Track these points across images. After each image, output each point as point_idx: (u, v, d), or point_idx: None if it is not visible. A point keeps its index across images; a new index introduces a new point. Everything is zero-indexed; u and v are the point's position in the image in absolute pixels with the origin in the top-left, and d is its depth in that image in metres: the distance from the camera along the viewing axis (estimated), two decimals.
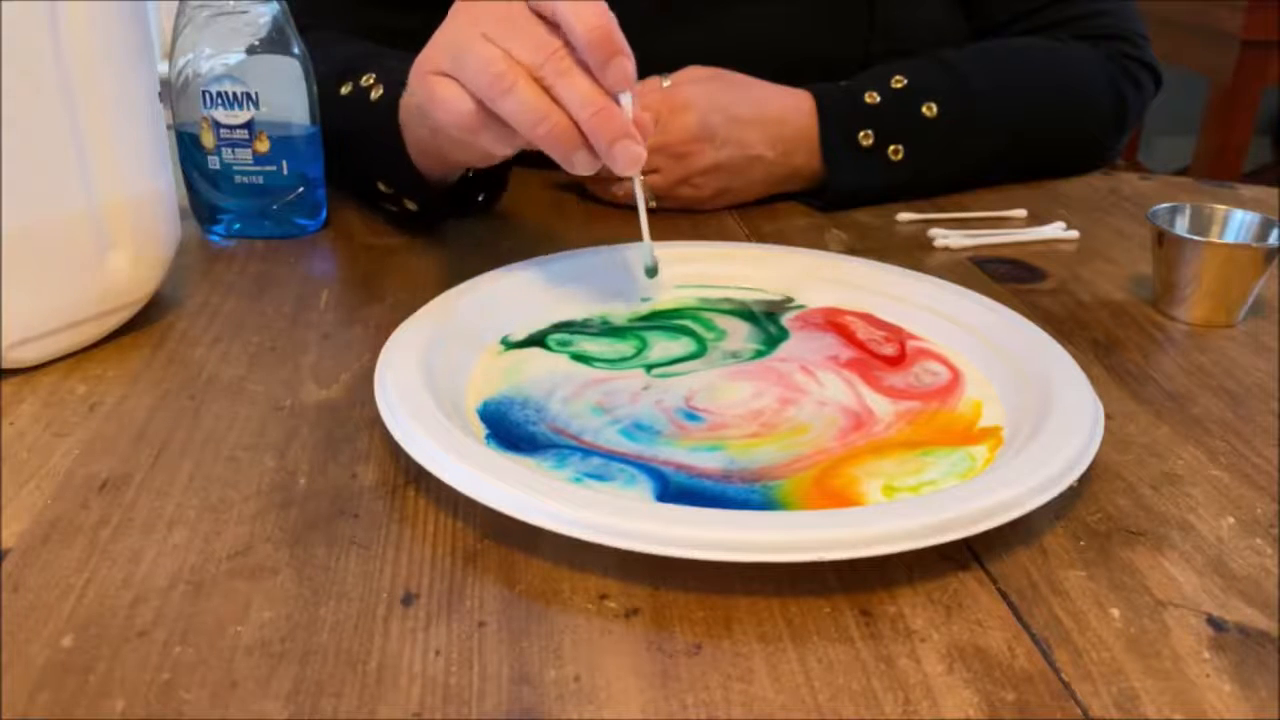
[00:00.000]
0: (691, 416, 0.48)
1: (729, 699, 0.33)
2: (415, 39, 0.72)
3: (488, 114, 0.50)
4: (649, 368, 0.52)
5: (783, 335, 0.55)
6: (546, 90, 0.49)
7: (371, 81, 0.67)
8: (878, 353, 0.54)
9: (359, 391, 0.50)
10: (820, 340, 0.55)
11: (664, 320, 0.57)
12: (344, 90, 0.68)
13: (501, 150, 0.52)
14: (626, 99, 0.50)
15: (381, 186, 0.68)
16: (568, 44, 0.49)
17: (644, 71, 0.76)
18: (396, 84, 0.63)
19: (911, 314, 0.57)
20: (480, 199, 0.73)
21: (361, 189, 0.73)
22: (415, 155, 0.63)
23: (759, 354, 0.53)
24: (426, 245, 0.69)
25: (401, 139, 0.63)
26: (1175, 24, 2.13)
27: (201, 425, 0.47)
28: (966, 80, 0.78)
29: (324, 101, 0.69)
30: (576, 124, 0.49)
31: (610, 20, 0.48)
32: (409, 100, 0.61)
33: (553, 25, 0.49)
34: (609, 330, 0.56)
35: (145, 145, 0.54)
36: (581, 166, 0.50)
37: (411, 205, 0.68)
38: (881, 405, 0.49)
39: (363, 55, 0.71)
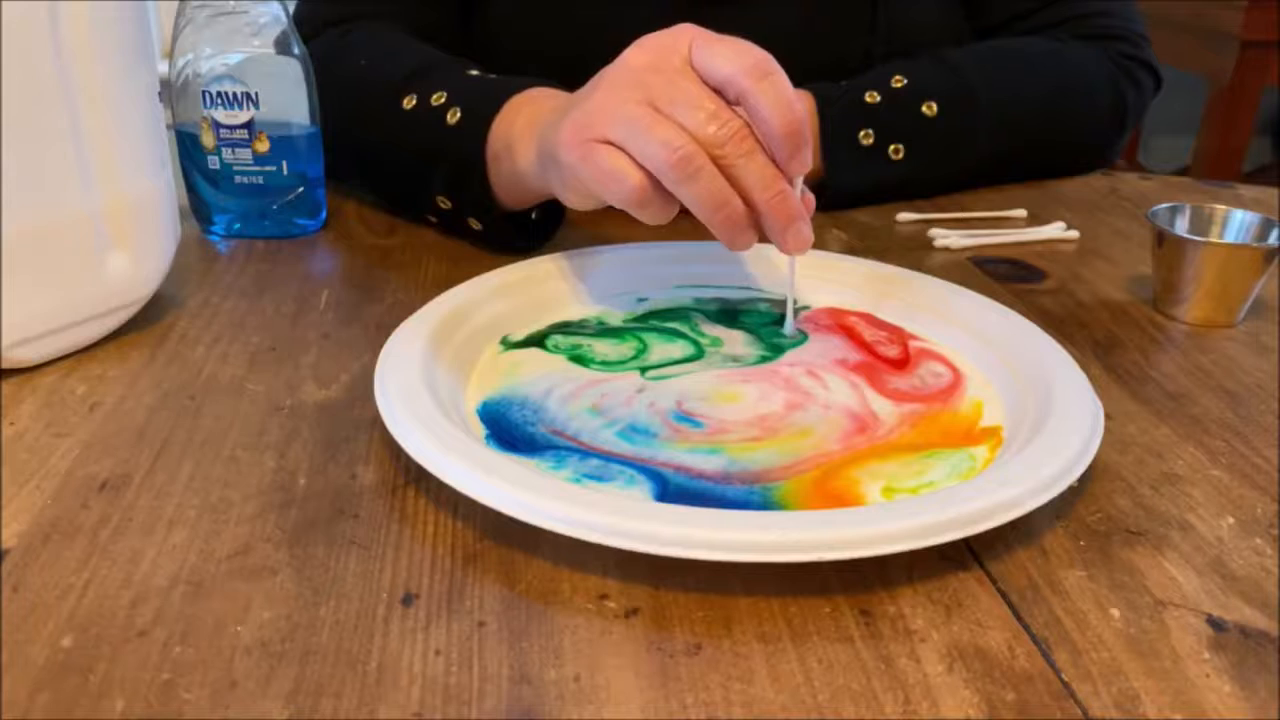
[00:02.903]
0: (687, 420, 0.47)
1: (729, 699, 0.33)
2: (456, 38, 0.71)
3: (658, 189, 0.49)
4: (644, 370, 0.52)
5: (779, 347, 0.55)
6: (724, 170, 0.48)
7: (443, 100, 0.65)
8: (883, 355, 0.54)
9: (359, 391, 0.50)
10: (828, 343, 0.55)
11: (661, 321, 0.57)
12: (407, 104, 0.67)
13: (657, 221, 0.51)
14: (799, 180, 0.50)
15: (442, 203, 0.67)
16: (746, 123, 0.48)
17: None
18: (479, 108, 0.62)
19: (911, 314, 0.57)
20: (535, 218, 0.69)
21: (405, 198, 0.72)
22: (496, 183, 0.62)
23: (764, 358, 0.53)
24: (426, 245, 0.69)
25: (484, 164, 0.62)
26: (1175, 24, 2.13)
27: (201, 425, 0.47)
28: (967, 80, 0.78)
29: (380, 110, 0.68)
30: (749, 204, 0.49)
31: (800, 109, 0.48)
32: (507, 133, 0.60)
33: (728, 100, 0.48)
34: (606, 331, 0.56)
35: (145, 145, 0.54)
36: (743, 246, 0.50)
37: (476, 225, 0.66)
38: (885, 408, 0.49)
39: (427, 66, 0.69)
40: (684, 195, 0.48)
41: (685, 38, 0.50)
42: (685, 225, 0.74)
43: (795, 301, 0.56)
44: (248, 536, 0.40)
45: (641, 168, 0.49)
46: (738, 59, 0.48)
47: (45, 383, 0.51)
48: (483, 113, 0.62)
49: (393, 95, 0.68)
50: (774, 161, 0.49)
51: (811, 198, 0.51)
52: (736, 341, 0.55)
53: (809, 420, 0.48)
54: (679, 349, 0.54)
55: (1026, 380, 0.49)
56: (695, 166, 0.47)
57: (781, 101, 0.47)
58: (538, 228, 0.68)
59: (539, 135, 0.57)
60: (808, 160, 0.49)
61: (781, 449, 0.45)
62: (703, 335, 0.56)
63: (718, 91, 0.49)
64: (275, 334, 0.56)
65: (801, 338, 0.55)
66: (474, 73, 0.68)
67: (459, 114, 0.64)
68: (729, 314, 0.58)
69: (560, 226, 0.69)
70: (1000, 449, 0.45)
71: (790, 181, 0.49)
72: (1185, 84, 1.95)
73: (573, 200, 0.56)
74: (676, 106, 0.48)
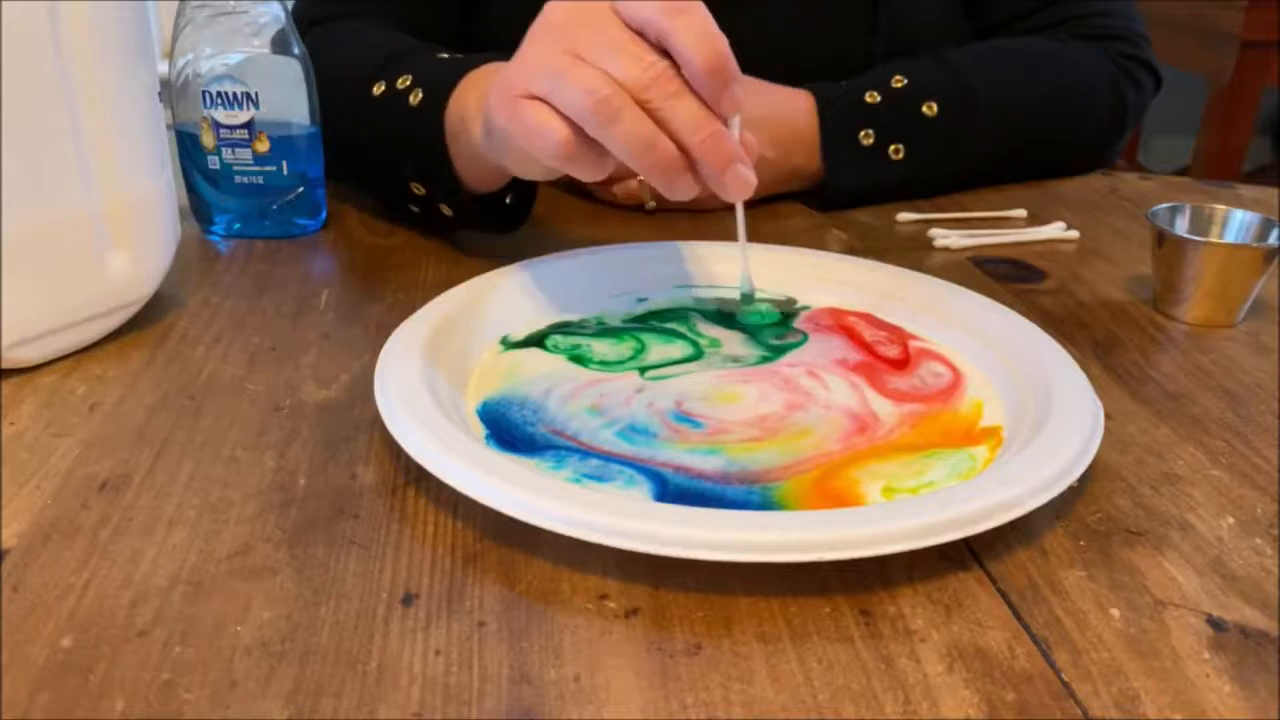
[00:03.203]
0: (686, 420, 0.47)
1: (729, 699, 0.33)
2: (456, 38, 0.70)
3: (585, 141, 0.47)
4: (643, 370, 0.52)
5: (778, 347, 0.55)
6: (652, 114, 0.46)
7: (409, 84, 0.64)
8: (884, 355, 0.54)
9: (359, 391, 0.50)
10: (828, 343, 0.55)
11: (660, 321, 0.57)
12: (376, 90, 0.66)
13: (592, 177, 0.50)
14: (734, 122, 0.48)
15: (416, 189, 0.66)
16: (673, 63, 0.46)
17: None
18: (438, 88, 0.62)
19: (912, 314, 0.57)
20: (509, 202, 0.69)
21: (386, 189, 0.72)
22: (459, 163, 0.62)
23: (765, 359, 0.53)
24: (426, 245, 0.69)
25: (446, 145, 0.61)
26: (1175, 24, 2.13)
27: (201, 425, 0.47)
28: (967, 80, 0.78)
29: (353, 99, 0.68)
30: (682, 149, 0.47)
31: (723, 42, 0.46)
32: (462, 109, 0.59)
33: (652, 43, 0.46)
34: (605, 331, 0.56)
35: (145, 145, 0.54)
36: (683, 192, 0.48)
37: (447, 210, 0.66)
38: (886, 409, 0.49)
39: (397, 54, 0.69)
40: (608, 141, 0.46)
41: None
42: (685, 225, 0.74)
43: (750, 276, 0.54)
44: (248, 536, 0.40)
45: (567, 120, 0.47)
46: None
47: (45, 383, 0.51)
48: (440, 92, 0.61)
49: (364, 84, 0.68)
50: (706, 103, 0.46)
51: (752, 140, 0.49)
52: (734, 342, 0.55)
53: (809, 420, 0.48)
54: (678, 349, 0.54)
55: (1026, 380, 0.49)
56: (615, 109, 0.45)
57: (700, 35, 0.45)
58: (510, 211, 0.68)
59: (484, 106, 0.56)
60: (737, 97, 0.46)
61: (781, 449, 0.45)
62: (701, 336, 0.56)
63: (642, 36, 0.47)
64: (275, 334, 0.56)
65: (801, 338, 0.55)
66: (443, 55, 0.67)
67: (420, 95, 0.63)
68: (728, 314, 0.58)
69: (531, 208, 0.69)
70: (1000, 449, 0.45)
71: (725, 123, 0.47)
72: (1185, 84, 1.95)
73: (517, 167, 0.55)
74: (599, 52, 0.46)
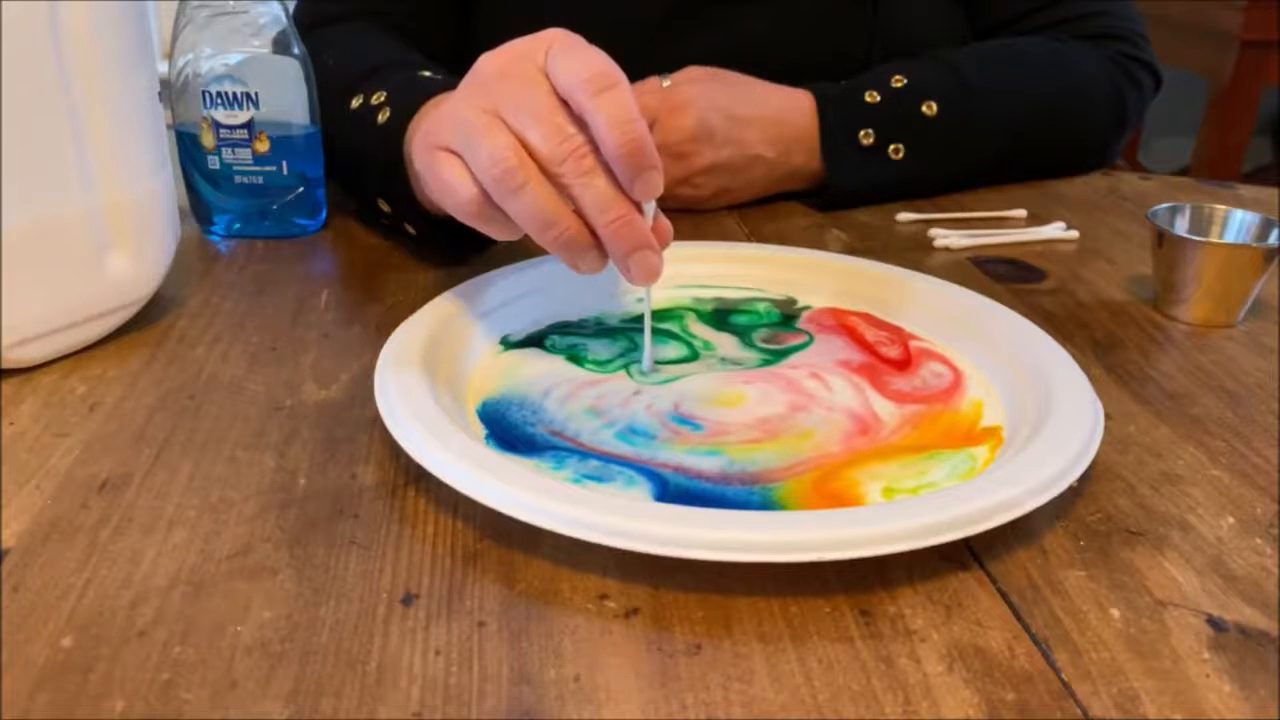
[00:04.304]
0: (686, 422, 0.47)
1: (729, 699, 0.33)
2: (455, 40, 0.68)
3: (492, 204, 0.46)
4: (628, 367, 0.52)
5: (772, 351, 0.55)
6: (563, 189, 0.45)
7: (381, 100, 0.64)
8: (885, 356, 0.53)
9: (359, 391, 0.50)
10: (830, 344, 0.55)
11: (657, 322, 0.57)
12: (354, 104, 0.66)
13: (503, 238, 0.49)
14: (649, 207, 0.46)
15: (381, 205, 0.66)
16: (590, 140, 0.45)
17: (647, 75, 0.76)
18: (406, 109, 0.61)
19: (911, 314, 0.57)
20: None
21: (362, 204, 0.72)
22: (417, 186, 0.61)
23: (766, 361, 0.53)
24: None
25: (404, 167, 0.60)
26: (1175, 24, 2.13)
27: (201, 425, 0.47)
28: (966, 79, 0.78)
29: (335, 111, 0.67)
30: (589, 226, 0.46)
31: (643, 127, 0.44)
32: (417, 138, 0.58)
33: (575, 117, 0.45)
34: (602, 331, 0.56)
35: (145, 145, 0.54)
36: (588, 268, 0.47)
37: (411, 230, 0.65)
38: (887, 410, 0.49)
39: (380, 66, 0.68)
40: (510, 211, 0.46)
41: (544, 43, 0.47)
42: (685, 225, 0.74)
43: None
44: (248, 536, 0.40)
45: (476, 180, 0.46)
46: (580, 70, 0.44)
47: (45, 383, 0.51)
48: (406, 114, 0.61)
49: (345, 95, 0.67)
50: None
51: (666, 225, 0.48)
52: (728, 344, 0.55)
53: (811, 422, 0.48)
54: (672, 350, 0.54)
55: (1026, 380, 0.49)
56: (518, 182, 0.44)
57: (618, 119, 0.43)
58: (476, 237, 0.67)
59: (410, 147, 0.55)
60: (655, 184, 0.45)
61: (782, 450, 0.45)
62: (694, 337, 0.55)
63: (568, 106, 0.45)
64: (275, 334, 0.56)
65: (806, 340, 0.55)
66: (425, 73, 0.66)
67: (388, 114, 0.63)
68: (724, 315, 0.58)
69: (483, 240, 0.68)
70: (1000, 449, 0.45)
71: (640, 207, 0.46)
72: (1185, 84, 1.96)
73: (445, 207, 0.53)
74: (519, 116, 0.45)
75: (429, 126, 0.49)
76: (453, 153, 0.47)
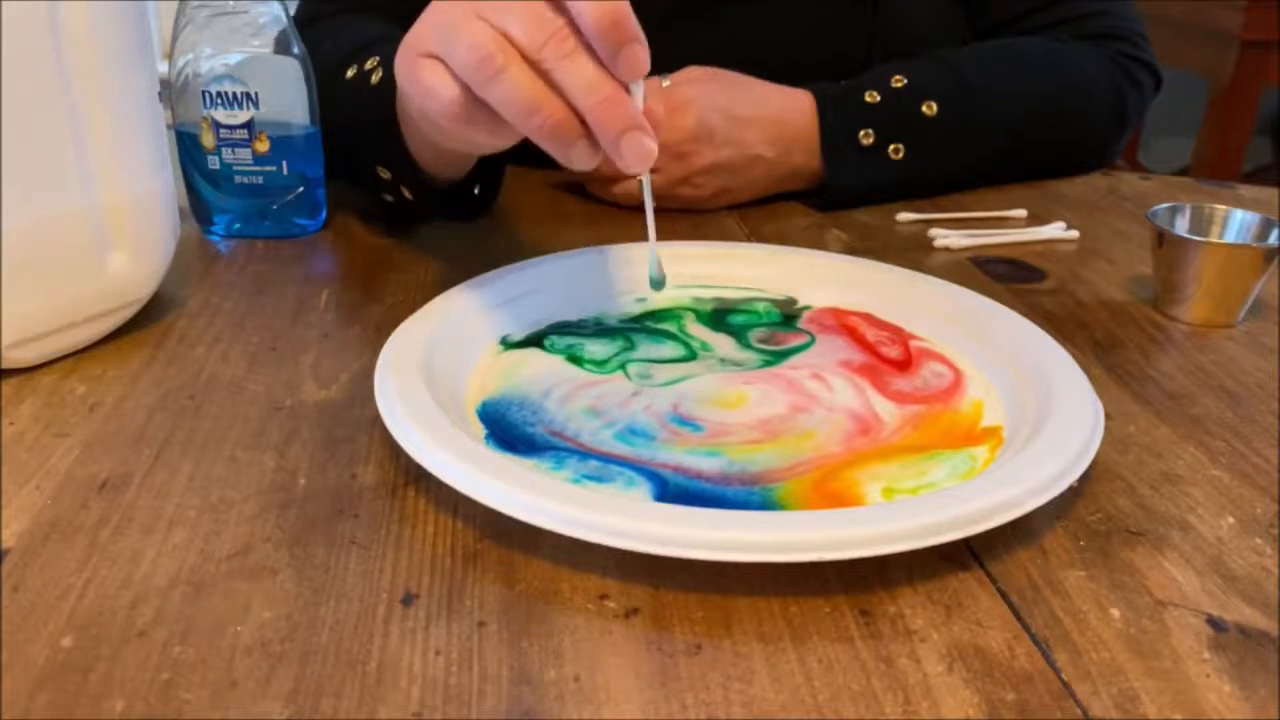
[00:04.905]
0: (685, 423, 0.47)
1: (729, 699, 0.33)
2: None
3: (476, 102, 0.45)
4: (624, 366, 0.52)
5: (770, 352, 0.55)
6: (545, 75, 0.44)
7: (375, 64, 0.64)
8: (886, 356, 0.53)
9: (359, 391, 0.50)
10: (831, 344, 0.55)
11: (655, 322, 0.57)
12: (348, 74, 0.66)
13: (493, 143, 0.48)
14: (637, 89, 0.45)
15: (380, 173, 0.66)
16: (572, 24, 0.43)
17: (648, 75, 0.76)
18: (393, 64, 0.61)
19: (911, 314, 0.57)
20: (476, 193, 0.70)
21: (362, 178, 0.71)
22: (411, 141, 0.61)
23: (768, 362, 0.53)
24: (426, 245, 0.69)
25: (398, 123, 0.61)
26: (1175, 24, 2.13)
27: (201, 425, 0.47)
28: (966, 79, 0.78)
29: (331, 87, 0.67)
30: (577, 114, 0.44)
31: (626, 4, 0.43)
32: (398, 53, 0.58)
33: (556, 2, 0.44)
34: (601, 331, 0.56)
35: (145, 145, 0.54)
36: (580, 161, 0.45)
37: (408, 194, 0.65)
38: (888, 410, 0.49)
39: (373, 39, 0.69)
40: (492, 99, 0.44)
41: None
42: (685, 225, 0.74)
43: (659, 259, 0.50)
44: (248, 536, 0.40)
45: (458, 79, 0.45)
46: None
47: (45, 383, 0.51)
48: (394, 69, 0.60)
49: (339, 70, 0.67)
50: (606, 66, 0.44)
51: (659, 110, 0.46)
52: (724, 345, 0.55)
53: (812, 423, 0.47)
54: (668, 350, 0.54)
55: (1026, 380, 0.49)
56: (496, 67, 0.43)
57: None
58: (472, 198, 0.67)
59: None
60: (639, 60, 0.43)
61: (782, 451, 0.45)
62: (692, 338, 0.55)
63: None
64: (275, 334, 0.56)
65: (808, 340, 0.55)
66: None
67: (381, 74, 0.63)
68: (723, 315, 0.58)
69: (495, 196, 0.68)
70: (1000, 449, 0.45)
71: (627, 89, 0.44)
72: (1185, 84, 1.95)
73: (434, 134, 0.53)
74: (498, 10, 0.44)
75: (408, 37, 0.48)
76: (433, 57, 0.46)
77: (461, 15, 0.45)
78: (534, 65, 0.44)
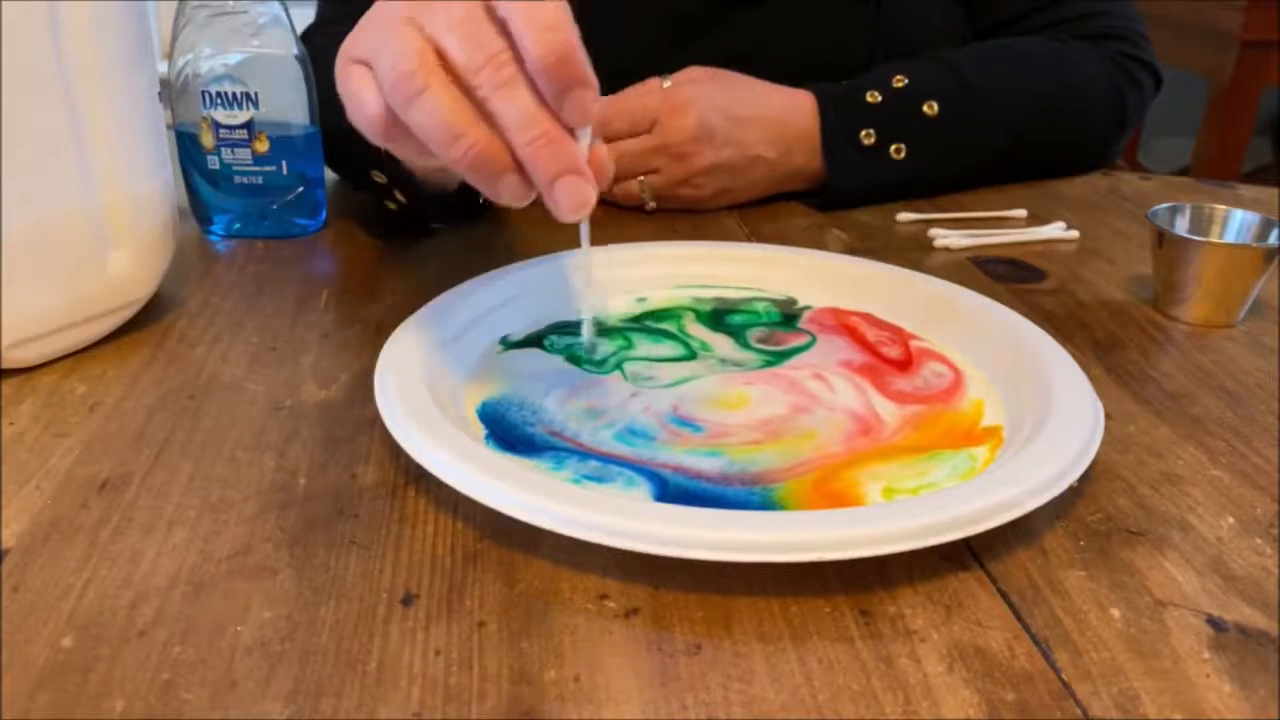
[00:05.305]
0: (685, 424, 0.47)
1: (729, 699, 0.33)
2: None
3: (399, 120, 0.41)
4: (621, 365, 0.52)
5: (770, 352, 0.55)
6: (481, 103, 0.40)
7: None
8: (886, 356, 0.53)
9: (359, 391, 0.50)
10: (832, 344, 0.55)
11: (655, 322, 0.57)
12: None
13: (419, 162, 0.43)
14: (584, 135, 0.41)
15: (376, 177, 0.65)
16: (515, 48, 0.40)
17: (651, 77, 0.76)
18: None
19: (911, 314, 0.57)
20: (476, 198, 0.69)
21: (364, 183, 0.70)
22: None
23: (769, 363, 0.53)
24: (426, 245, 0.69)
25: None
26: (1175, 24, 2.13)
27: (201, 425, 0.47)
28: (967, 79, 0.78)
29: (330, 89, 0.67)
30: (510, 146, 0.40)
31: (572, 37, 0.39)
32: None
33: (502, 23, 0.40)
34: (601, 331, 0.56)
35: (145, 145, 0.54)
36: (509, 197, 0.41)
37: (401, 197, 0.64)
38: (889, 410, 0.49)
39: None
40: (410, 123, 0.40)
41: None
42: (685, 225, 0.74)
43: (595, 305, 0.45)
44: (248, 536, 0.40)
45: (382, 93, 0.41)
46: None
47: (45, 383, 0.51)
48: None
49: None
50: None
51: (604, 159, 0.42)
52: (724, 346, 0.55)
53: (813, 423, 0.47)
54: (667, 349, 0.54)
55: (1026, 380, 0.48)
56: (416, 87, 0.39)
57: (542, 24, 0.38)
58: (470, 202, 0.65)
59: None
60: (586, 106, 0.39)
61: (783, 451, 0.45)
62: (691, 338, 0.55)
63: (496, 17, 0.40)
64: (275, 334, 0.56)
65: (809, 340, 0.55)
66: None
67: None
68: (722, 315, 0.58)
69: (482, 207, 0.67)
70: (1000, 449, 0.45)
71: (573, 133, 0.40)
72: (1185, 84, 1.95)
73: (357, 126, 0.49)
74: (438, 22, 0.40)
75: (347, 38, 0.44)
76: (364, 64, 0.42)
77: (394, 21, 0.41)
78: (469, 90, 0.40)
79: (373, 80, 0.42)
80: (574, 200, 0.40)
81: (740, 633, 0.36)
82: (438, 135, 0.40)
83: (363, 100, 0.42)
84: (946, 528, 0.37)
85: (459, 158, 0.40)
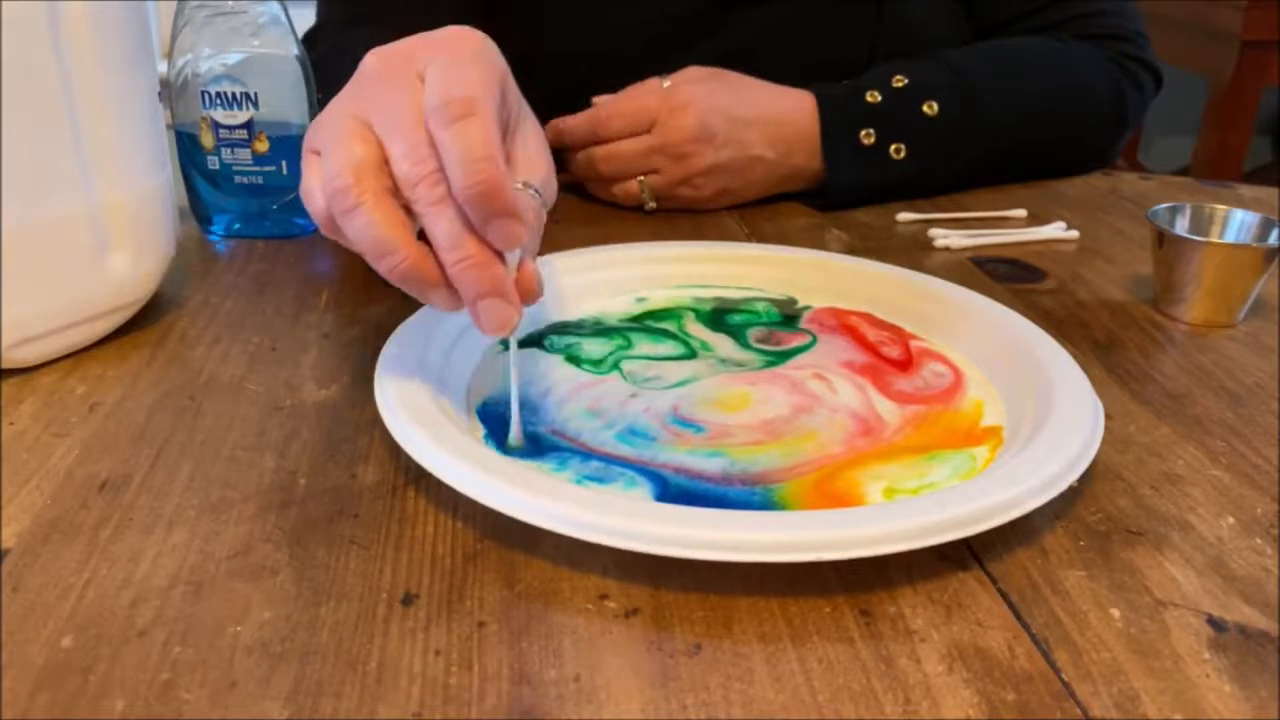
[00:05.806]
0: (686, 424, 0.47)
1: (729, 699, 0.33)
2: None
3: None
4: (619, 363, 0.52)
5: (769, 352, 0.55)
6: (417, 215, 0.41)
7: None
8: (887, 356, 0.53)
9: (359, 391, 0.50)
10: (833, 344, 0.55)
11: (655, 321, 0.57)
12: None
13: (361, 251, 0.43)
14: (512, 256, 0.42)
15: None
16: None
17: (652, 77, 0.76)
18: None
19: (911, 314, 0.57)
20: None
21: None
22: None
23: (771, 363, 0.53)
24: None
25: None
26: (1175, 24, 2.13)
27: (201, 425, 0.47)
28: (967, 79, 0.78)
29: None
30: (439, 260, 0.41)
31: (496, 170, 0.39)
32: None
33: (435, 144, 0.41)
34: (600, 330, 0.56)
35: (145, 145, 0.54)
36: (440, 305, 0.42)
37: None
38: (890, 410, 0.49)
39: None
40: (346, 233, 0.42)
41: (429, 47, 0.43)
42: (685, 225, 0.74)
43: (520, 407, 0.45)
44: (248, 536, 0.40)
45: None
46: (436, 92, 0.40)
47: (45, 383, 0.51)
48: None
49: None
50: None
51: (533, 275, 0.43)
52: (724, 345, 0.55)
53: (814, 423, 0.47)
54: (667, 349, 0.54)
55: (1026, 380, 0.48)
56: (349, 203, 0.40)
57: (467, 155, 0.39)
58: None
59: None
60: (511, 234, 0.40)
61: (784, 451, 0.45)
62: (691, 338, 0.55)
63: None
64: (275, 334, 0.56)
65: (810, 340, 0.55)
66: None
67: None
68: (722, 315, 0.58)
69: None
70: (1001, 449, 0.45)
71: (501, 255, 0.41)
72: (1185, 84, 1.96)
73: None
74: (387, 125, 0.41)
75: (314, 121, 0.46)
76: (320, 156, 0.43)
77: (347, 126, 0.42)
78: (406, 201, 0.41)
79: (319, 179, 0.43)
80: (495, 321, 0.42)
81: (740, 633, 0.36)
82: (368, 250, 0.41)
83: (311, 195, 0.43)
84: (946, 528, 0.37)
85: (388, 272, 0.41)
